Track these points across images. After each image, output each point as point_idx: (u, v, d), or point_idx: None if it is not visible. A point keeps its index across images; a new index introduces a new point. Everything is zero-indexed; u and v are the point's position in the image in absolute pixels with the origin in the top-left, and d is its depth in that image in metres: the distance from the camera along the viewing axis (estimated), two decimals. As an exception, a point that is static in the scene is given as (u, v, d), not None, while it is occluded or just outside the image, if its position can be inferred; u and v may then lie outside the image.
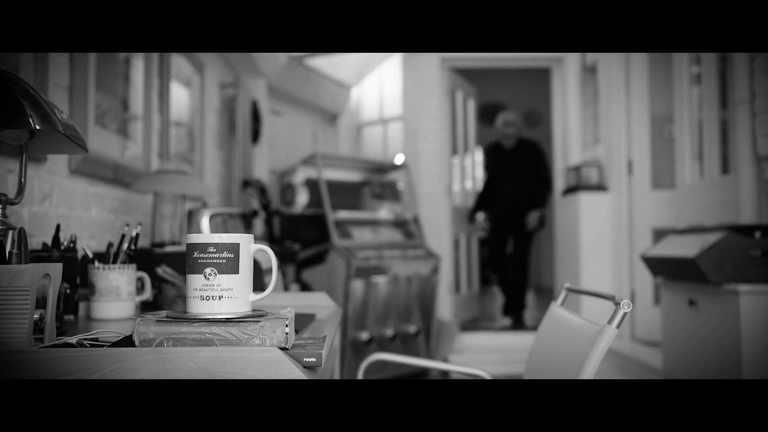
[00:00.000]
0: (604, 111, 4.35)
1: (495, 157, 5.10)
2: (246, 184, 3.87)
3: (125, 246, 1.33)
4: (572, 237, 4.43)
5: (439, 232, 4.94)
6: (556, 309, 1.41)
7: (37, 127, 1.04)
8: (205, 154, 3.54)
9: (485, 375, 1.53)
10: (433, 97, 5.09)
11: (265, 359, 0.76)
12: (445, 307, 4.84)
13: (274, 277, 0.95)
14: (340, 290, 3.62)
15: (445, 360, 4.24)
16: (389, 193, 4.91)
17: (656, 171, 4.12)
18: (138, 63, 2.50)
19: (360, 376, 1.64)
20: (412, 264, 4.07)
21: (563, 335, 1.26)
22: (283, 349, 0.82)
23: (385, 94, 5.75)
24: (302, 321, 1.24)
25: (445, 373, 3.85)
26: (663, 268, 2.65)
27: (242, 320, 0.84)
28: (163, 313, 0.91)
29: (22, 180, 1.17)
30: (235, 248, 0.89)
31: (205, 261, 0.88)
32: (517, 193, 4.90)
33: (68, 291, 1.26)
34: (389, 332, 3.86)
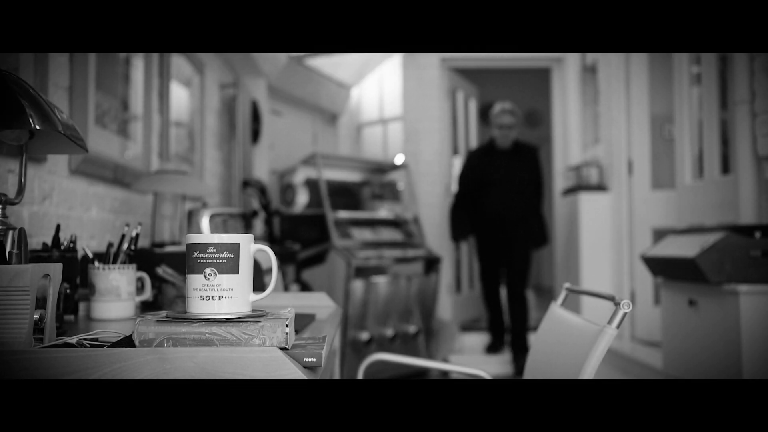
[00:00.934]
0: (604, 111, 4.35)
1: (487, 157, 4.22)
2: (246, 184, 3.86)
3: (125, 246, 1.33)
4: (572, 237, 4.43)
5: (439, 232, 4.94)
6: (556, 309, 1.41)
7: (37, 127, 1.04)
8: (205, 154, 3.54)
9: (485, 375, 1.53)
10: (434, 97, 5.09)
11: (265, 359, 0.76)
12: (445, 307, 4.84)
13: (274, 277, 0.95)
14: (340, 290, 3.62)
15: (445, 360, 4.24)
16: (389, 193, 4.90)
17: (656, 171, 4.12)
18: (138, 63, 2.50)
19: (360, 376, 1.64)
20: (412, 264, 4.07)
21: (563, 335, 1.26)
22: (283, 349, 0.82)
23: (385, 94, 5.75)
24: (302, 321, 1.24)
25: (445, 373, 3.85)
26: (663, 268, 2.65)
27: (242, 320, 0.84)
28: (163, 313, 0.91)
29: (22, 180, 1.17)
30: (235, 248, 0.89)
31: (205, 261, 0.88)
32: (511, 204, 4.12)
33: (68, 291, 1.26)
34: (389, 332, 3.86)
